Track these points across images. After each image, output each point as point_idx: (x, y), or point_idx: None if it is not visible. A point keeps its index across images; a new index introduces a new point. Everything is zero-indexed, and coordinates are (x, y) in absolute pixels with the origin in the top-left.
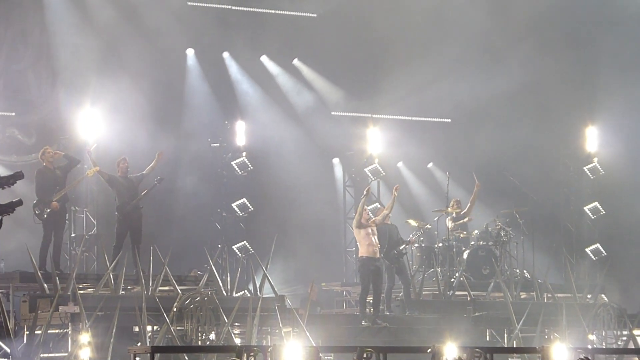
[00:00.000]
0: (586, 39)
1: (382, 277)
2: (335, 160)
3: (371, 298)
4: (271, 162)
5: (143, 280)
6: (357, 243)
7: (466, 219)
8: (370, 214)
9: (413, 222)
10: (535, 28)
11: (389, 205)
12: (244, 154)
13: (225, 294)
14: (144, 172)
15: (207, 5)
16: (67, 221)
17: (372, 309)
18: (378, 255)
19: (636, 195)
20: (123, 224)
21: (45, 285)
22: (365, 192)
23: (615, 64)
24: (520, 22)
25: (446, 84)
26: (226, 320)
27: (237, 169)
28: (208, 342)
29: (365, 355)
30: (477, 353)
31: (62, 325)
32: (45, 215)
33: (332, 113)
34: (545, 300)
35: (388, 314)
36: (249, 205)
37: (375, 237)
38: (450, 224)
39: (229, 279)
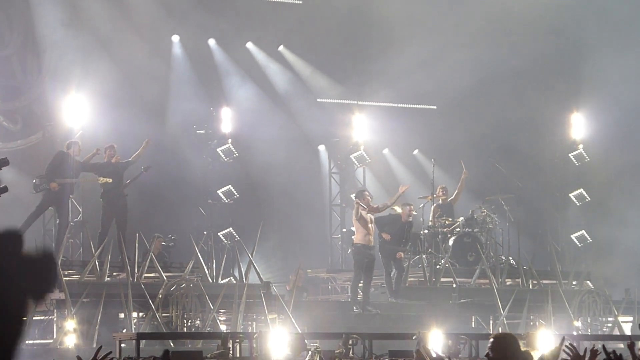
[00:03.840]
0: (571, 25)
1: (374, 265)
2: (321, 147)
3: (361, 285)
4: (257, 149)
5: (128, 267)
6: (353, 228)
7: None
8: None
9: (398, 209)
10: (520, 15)
11: (393, 200)
12: (230, 140)
13: (210, 281)
14: (130, 159)
15: None
16: (69, 211)
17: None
18: (372, 244)
19: (621, 182)
20: (108, 211)
21: None
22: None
23: (600, 50)
24: (507, 8)
25: (432, 71)
26: (212, 307)
27: (222, 155)
28: (193, 329)
29: (350, 342)
30: (462, 339)
31: (48, 312)
32: (39, 190)
33: (318, 100)
34: (531, 287)
35: (394, 300)
36: (234, 192)
37: (373, 224)
38: (433, 213)
39: (214, 265)
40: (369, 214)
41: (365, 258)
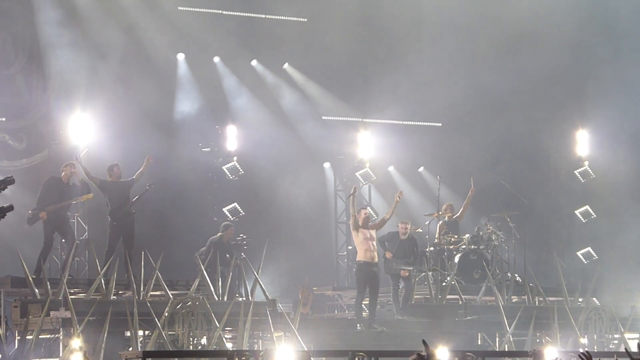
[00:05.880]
0: (578, 43)
1: (379, 282)
2: (326, 165)
3: (367, 302)
4: (262, 166)
5: (134, 285)
6: (356, 247)
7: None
8: (372, 213)
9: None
10: (526, 32)
11: (390, 211)
12: (235, 158)
13: (216, 299)
14: (134, 177)
15: (198, 10)
16: (73, 230)
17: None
18: (376, 260)
19: (627, 199)
20: (115, 229)
21: (37, 290)
22: (352, 191)
23: (606, 67)
24: (511, 26)
25: (437, 88)
26: (217, 325)
27: (228, 173)
28: (199, 347)
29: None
30: (469, 357)
31: (54, 330)
32: (32, 223)
33: (323, 117)
34: (537, 304)
35: (400, 317)
36: (240, 209)
37: (374, 241)
38: (439, 231)
39: (220, 283)
40: (369, 230)
41: (366, 275)
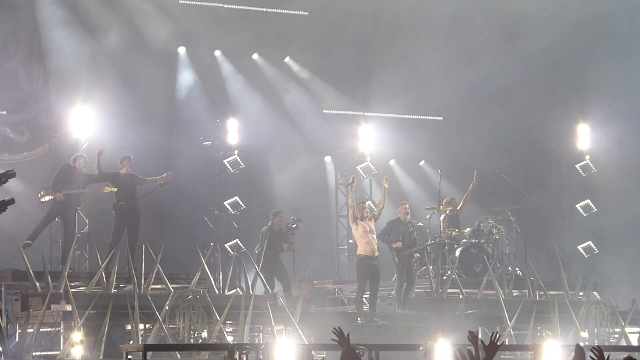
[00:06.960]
0: (578, 36)
1: (379, 275)
2: (327, 158)
3: (367, 296)
4: (263, 160)
5: (135, 279)
6: (356, 240)
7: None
8: (373, 207)
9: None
10: (527, 25)
11: (382, 199)
12: (236, 152)
13: (217, 292)
14: (146, 179)
15: (199, 3)
16: (75, 222)
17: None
18: (376, 254)
19: (627, 193)
20: (120, 221)
21: (37, 283)
22: (350, 181)
23: (607, 61)
24: (513, 20)
25: (437, 81)
26: (218, 318)
27: (229, 167)
28: (200, 340)
29: (357, 353)
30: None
31: (55, 324)
32: (45, 200)
33: (324, 111)
34: (538, 298)
35: (401, 311)
36: (241, 203)
37: (374, 235)
38: (442, 224)
39: (221, 277)
40: (368, 223)
41: (366, 268)
